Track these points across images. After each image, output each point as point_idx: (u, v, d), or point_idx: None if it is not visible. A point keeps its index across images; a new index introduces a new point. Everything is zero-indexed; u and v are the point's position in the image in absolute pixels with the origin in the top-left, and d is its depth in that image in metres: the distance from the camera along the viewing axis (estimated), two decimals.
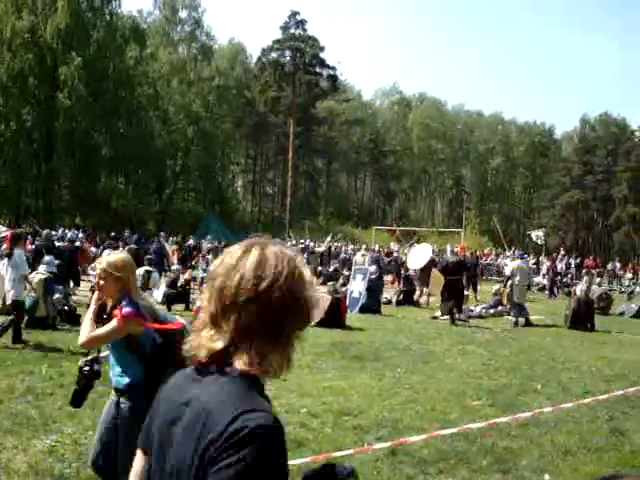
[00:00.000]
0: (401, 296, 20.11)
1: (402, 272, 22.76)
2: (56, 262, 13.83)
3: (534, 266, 34.84)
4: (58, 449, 5.32)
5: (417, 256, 21.12)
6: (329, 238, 36.53)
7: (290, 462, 4.69)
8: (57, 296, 12.16)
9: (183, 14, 61.21)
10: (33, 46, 44.69)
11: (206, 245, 28.42)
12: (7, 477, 4.71)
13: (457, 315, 15.66)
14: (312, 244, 35.75)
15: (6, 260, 10.08)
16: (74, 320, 11.84)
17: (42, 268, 12.39)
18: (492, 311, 18.49)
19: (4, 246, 10.79)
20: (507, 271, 20.13)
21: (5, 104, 45.09)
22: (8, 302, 9.93)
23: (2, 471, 4.79)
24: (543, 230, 41.71)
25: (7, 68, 43.30)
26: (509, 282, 17.60)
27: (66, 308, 12.26)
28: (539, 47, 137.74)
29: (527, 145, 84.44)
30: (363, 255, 25.51)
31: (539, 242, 39.29)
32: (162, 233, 28.94)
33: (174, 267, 17.97)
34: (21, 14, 44.03)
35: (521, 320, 16.46)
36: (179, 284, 15.98)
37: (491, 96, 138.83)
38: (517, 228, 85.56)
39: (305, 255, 30.14)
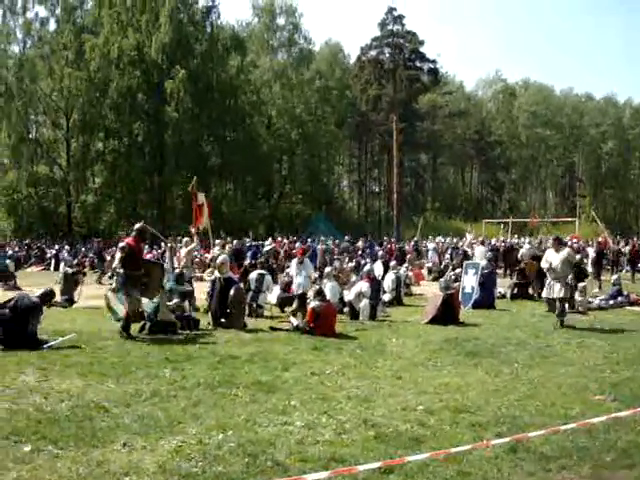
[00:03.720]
0: (515, 289, 19.61)
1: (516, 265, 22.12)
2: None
3: None
4: (184, 449, 5.52)
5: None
6: (470, 237, 35.17)
7: (408, 458, 4.73)
8: (175, 301, 12.57)
9: (281, 20, 62.20)
10: (140, 63, 46.59)
11: (320, 247, 28.45)
12: (137, 476, 4.92)
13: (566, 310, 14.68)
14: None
15: None
16: (192, 325, 12.25)
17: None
18: (612, 302, 17.76)
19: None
20: None
21: (117, 120, 47.27)
22: None
23: (132, 471, 5.02)
24: None
25: (117, 86, 45.38)
26: None
27: (186, 314, 12.67)
28: None
29: None
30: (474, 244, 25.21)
31: None
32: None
33: (287, 270, 18.24)
34: (126, 33, 45.95)
35: None
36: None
37: (601, 78, 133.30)
38: (636, 213, 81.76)
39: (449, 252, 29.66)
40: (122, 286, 11.36)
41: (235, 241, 26.86)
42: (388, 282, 18.04)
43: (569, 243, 29.74)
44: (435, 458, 5.24)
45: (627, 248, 30.86)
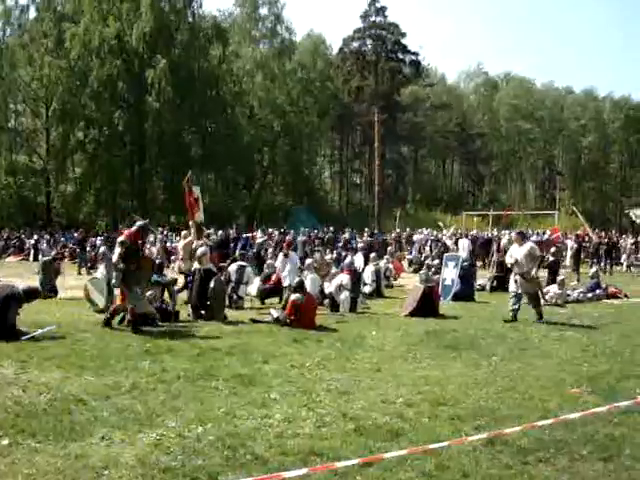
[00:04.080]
0: (495, 282, 19.73)
1: (495, 257, 22.27)
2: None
3: (633, 246, 33.62)
4: (163, 442, 5.51)
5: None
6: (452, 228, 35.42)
7: (388, 454, 4.75)
8: (150, 292, 12.40)
9: (263, 10, 61.95)
10: (120, 52, 46.20)
11: (300, 239, 28.46)
12: (116, 470, 4.91)
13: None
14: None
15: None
16: (169, 318, 12.23)
17: None
18: (590, 295, 17.95)
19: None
20: None
21: (97, 110, 46.83)
22: None
23: (111, 464, 5.00)
24: None
25: (97, 74, 44.97)
26: None
27: (164, 306, 12.64)
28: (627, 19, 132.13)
29: (622, 121, 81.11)
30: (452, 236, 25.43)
31: (638, 221, 37.87)
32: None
33: (269, 262, 18.26)
34: (107, 22, 45.55)
35: None
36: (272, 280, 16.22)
37: (582, 72, 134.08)
38: (615, 207, 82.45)
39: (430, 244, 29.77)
40: (121, 282, 11.15)
41: (220, 232, 26.94)
42: (368, 274, 18.12)
43: (551, 236, 30.05)
44: (414, 453, 5.27)
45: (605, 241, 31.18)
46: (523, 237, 14.21)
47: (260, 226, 37.59)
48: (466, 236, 28.46)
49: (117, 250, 11.21)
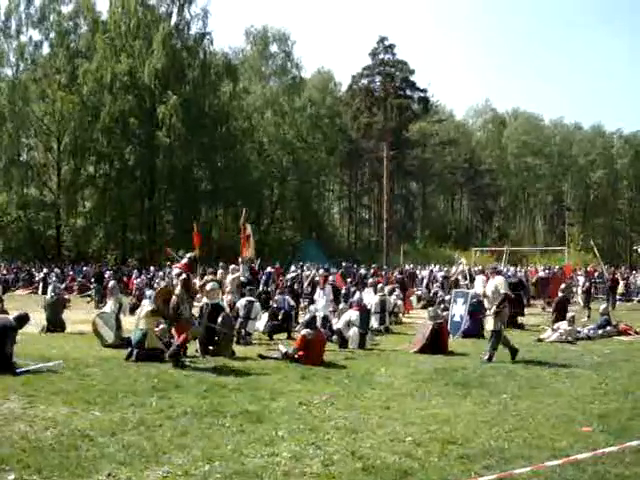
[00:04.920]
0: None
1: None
2: None
3: None
4: (170, 479, 5.48)
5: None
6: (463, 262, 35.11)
7: None
8: (162, 326, 12.44)
9: (273, 48, 62.64)
10: (132, 88, 46.74)
11: (306, 274, 28.42)
12: None
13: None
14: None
15: None
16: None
17: (147, 302, 12.88)
18: (600, 332, 17.80)
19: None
20: None
21: (109, 145, 47.27)
22: None
23: None
24: None
25: (109, 110, 45.47)
26: None
27: (172, 341, 12.58)
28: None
29: (630, 156, 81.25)
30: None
31: None
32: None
33: (277, 297, 18.22)
34: (119, 58, 46.16)
35: None
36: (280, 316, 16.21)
37: (590, 108, 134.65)
38: (624, 242, 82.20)
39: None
40: (190, 313, 11.65)
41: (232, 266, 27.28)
42: (373, 305, 18.08)
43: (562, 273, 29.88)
44: None
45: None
46: (495, 271, 13.81)
47: (276, 261, 37.69)
48: (482, 272, 28.32)
49: (180, 286, 11.53)
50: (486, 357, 12.51)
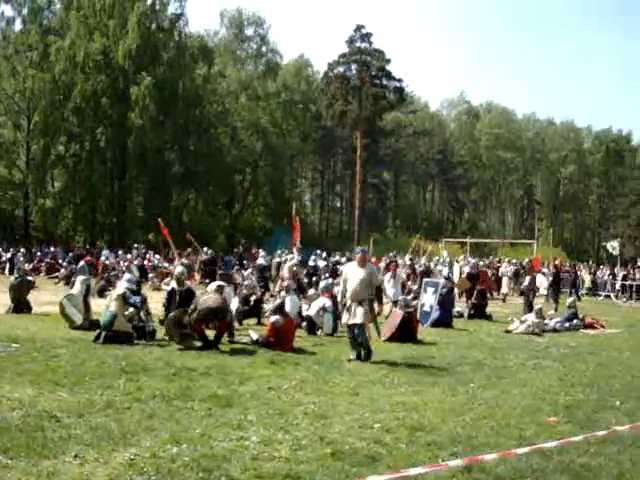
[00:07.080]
0: (472, 310, 19.82)
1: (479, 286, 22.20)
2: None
3: (610, 277, 33.96)
4: (137, 462, 5.42)
5: None
6: (445, 253, 35.06)
7: (365, 479, 4.71)
8: (130, 310, 12.29)
9: (249, 31, 62.31)
10: (105, 68, 46.08)
11: (275, 261, 28.32)
12: None
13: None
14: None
15: None
16: (145, 336, 12.14)
17: (122, 284, 12.76)
18: (567, 324, 18.05)
19: None
20: None
21: (80, 124, 46.63)
22: None
23: None
24: (619, 240, 40.35)
25: (81, 89, 44.78)
26: None
27: (141, 324, 12.51)
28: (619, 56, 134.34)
29: (602, 153, 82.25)
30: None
31: (614, 253, 38.27)
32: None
33: (246, 283, 18.12)
34: (93, 37, 45.50)
35: None
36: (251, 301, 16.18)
37: (563, 104, 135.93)
38: (592, 238, 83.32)
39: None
40: None
41: (209, 250, 27.61)
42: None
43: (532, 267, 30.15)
44: (392, 478, 5.23)
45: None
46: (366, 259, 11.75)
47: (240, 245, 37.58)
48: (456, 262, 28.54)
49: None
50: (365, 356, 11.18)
